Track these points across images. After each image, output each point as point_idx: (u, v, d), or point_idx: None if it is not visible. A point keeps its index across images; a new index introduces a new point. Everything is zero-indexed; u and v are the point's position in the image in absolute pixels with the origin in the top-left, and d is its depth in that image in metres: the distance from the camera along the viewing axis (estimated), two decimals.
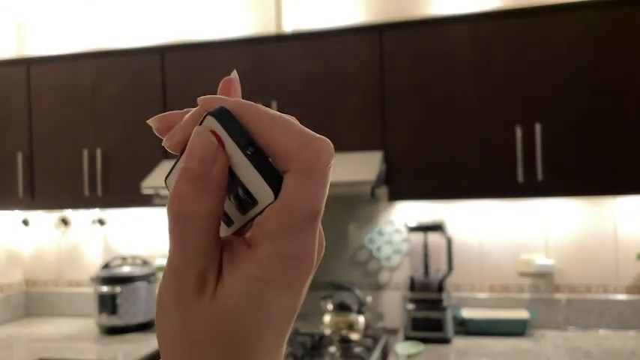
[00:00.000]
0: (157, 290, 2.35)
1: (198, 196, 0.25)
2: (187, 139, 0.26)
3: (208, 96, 0.27)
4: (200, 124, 0.26)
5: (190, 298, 0.26)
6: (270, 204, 0.25)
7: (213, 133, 0.25)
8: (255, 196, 0.25)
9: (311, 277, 0.26)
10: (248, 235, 0.26)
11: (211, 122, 0.25)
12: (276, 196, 0.25)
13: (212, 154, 0.25)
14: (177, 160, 0.28)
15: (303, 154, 0.25)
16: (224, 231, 0.27)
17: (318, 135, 0.25)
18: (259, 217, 0.26)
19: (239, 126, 0.25)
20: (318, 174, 0.25)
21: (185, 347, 0.26)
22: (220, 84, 0.29)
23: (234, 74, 0.29)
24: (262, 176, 0.25)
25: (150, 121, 0.29)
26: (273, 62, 2.33)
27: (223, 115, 0.25)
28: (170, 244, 0.26)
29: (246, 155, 0.25)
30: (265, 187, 0.25)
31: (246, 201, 0.26)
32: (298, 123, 0.26)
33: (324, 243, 0.28)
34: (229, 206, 0.27)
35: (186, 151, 0.25)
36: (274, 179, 0.25)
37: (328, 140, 0.26)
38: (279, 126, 0.25)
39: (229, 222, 0.27)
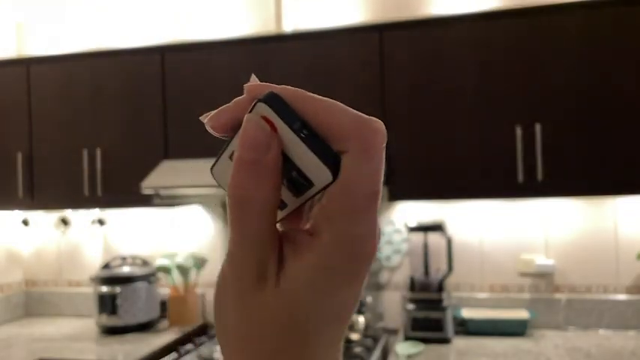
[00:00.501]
0: (158, 290, 2.34)
1: (256, 183, 0.25)
2: (233, 123, 0.26)
3: (254, 83, 0.28)
4: (250, 112, 0.26)
5: (252, 289, 0.25)
6: (328, 184, 0.25)
7: (265, 119, 0.25)
8: (311, 178, 0.25)
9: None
10: (309, 225, 0.26)
11: (262, 108, 0.25)
12: (334, 176, 0.24)
13: (266, 141, 0.25)
14: (225, 149, 0.27)
15: (362, 133, 0.25)
16: (278, 215, 0.27)
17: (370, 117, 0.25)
18: (319, 201, 0.26)
19: (291, 110, 0.25)
20: (378, 152, 0.25)
21: (248, 339, 0.26)
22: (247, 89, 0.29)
23: (254, 78, 0.29)
24: (319, 157, 0.24)
25: (202, 118, 0.28)
26: (273, 62, 2.33)
27: (274, 100, 0.25)
28: (230, 234, 0.26)
29: (300, 138, 0.25)
30: (322, 167, 0.24)
31: (300, 183, 0.26)
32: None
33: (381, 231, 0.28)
34: (282, 190, 0.26)
35: (239, 140, 0.25)
36: (331, 159, 0.25)
37: (380, 121, 0.26)
38: (334, 107, 0.25)
39: (282, 205, 0.27)
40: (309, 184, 0.25)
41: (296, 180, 0.26)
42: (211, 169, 0.29)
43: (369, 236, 0.25)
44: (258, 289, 0.25)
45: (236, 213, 0.25)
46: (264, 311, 0.25)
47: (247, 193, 0.25)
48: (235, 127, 0.27)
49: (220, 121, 0.27)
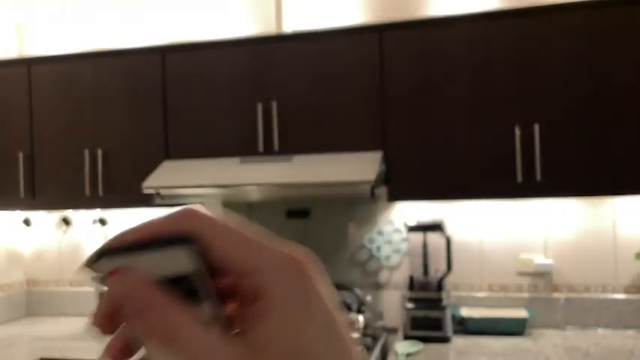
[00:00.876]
0: None
1: (161, 323, 0.25)
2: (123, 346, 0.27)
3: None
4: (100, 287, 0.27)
5: None
6: (197, 267, 0.26)
7: (110, 274, 0.26)
8: (184, 274, 0.26)
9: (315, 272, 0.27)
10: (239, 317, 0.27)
11: (102, 266, 0.26)
12: (187, 244, 0.26)
13: (127, 292, 0.26)
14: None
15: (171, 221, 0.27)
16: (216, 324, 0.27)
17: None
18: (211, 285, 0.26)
19: (113, 248, 0.26)
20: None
21: None
22: None
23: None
24: (167, 248, 0.26)
25: None
26: (274, 62, 2.34)
27: (98, 255, 0.26)
28: None
29: (141, 254, 0.26)
30: (176, 252, 0.26)
31: (188, 286, 0.26)
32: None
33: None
34: (191, 307, 0.26)
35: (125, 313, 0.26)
36: (175, 241, 0.26)
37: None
38: (143, 225, 0.27)
39: (207, 317, 0.27)
40: (184, 277, 0.26)
41: (183, 288, 0.26)
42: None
43: (299, 253, 0.27)
44: None
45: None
46: None
47: (165, 335, 0.25)
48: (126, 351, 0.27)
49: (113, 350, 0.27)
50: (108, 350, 0.28)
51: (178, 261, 0.26)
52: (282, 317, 0.25)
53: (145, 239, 0.26)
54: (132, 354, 0.28)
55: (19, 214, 2.96)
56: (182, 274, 0.26)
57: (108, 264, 0.26)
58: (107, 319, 0.27)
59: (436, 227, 2.31)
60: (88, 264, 0.27)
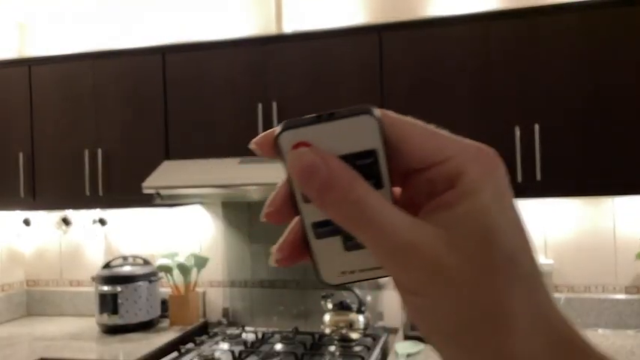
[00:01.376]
0: (158, 289, 2.33)
1: (347, 187, 0.24)
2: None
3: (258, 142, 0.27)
4: (284, 152, 0.25)
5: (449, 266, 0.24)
6: (379, 132, 0.25)
7: (297, 145, 0.25)
8: (367, 150, 0.25)
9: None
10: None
11: (286, 139, 0.25)
12: (370, 114, 0.25)
13: (317, 162, 0.24)
14: (310, 242, 0.27)
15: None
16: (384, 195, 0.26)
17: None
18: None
19: (298, 120, 0.26)
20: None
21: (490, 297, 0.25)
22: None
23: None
24: (351, 116, 0.25)
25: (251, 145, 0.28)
26: (274, 63, 2.34)
27: (287, 125, 0.25)
28: (384, 261, 0.25)
29: (327, 124, 0.25)
30: (360, 120, 0.25)
31: (365, 165, 0.25)
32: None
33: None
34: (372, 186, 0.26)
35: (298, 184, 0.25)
36: (360, 111, 0.25)
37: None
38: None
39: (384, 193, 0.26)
40: (371, 153, 0.25)
41: (364, 165, 0.25)
42: (318, 277, 0.27)
43: (488, 146, 0.28)
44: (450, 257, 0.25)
45: (372, 235, 0.25)
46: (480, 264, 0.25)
47: (353, 201, 0.24)
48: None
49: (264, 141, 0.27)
50: (278, 251, 0.27)
51: (364, 134, 0.25)
52: (480, 200, 0.25)
53: (331, 112, 0.25)
54: (301, 257, 0.27)
55: (19, 214, 2.96)
56: (366, 149, 0.25)
57: (291, 136, 0.25)
58: (285, 203, 0.26)
59: None
60: (265, 141, 0.26)
